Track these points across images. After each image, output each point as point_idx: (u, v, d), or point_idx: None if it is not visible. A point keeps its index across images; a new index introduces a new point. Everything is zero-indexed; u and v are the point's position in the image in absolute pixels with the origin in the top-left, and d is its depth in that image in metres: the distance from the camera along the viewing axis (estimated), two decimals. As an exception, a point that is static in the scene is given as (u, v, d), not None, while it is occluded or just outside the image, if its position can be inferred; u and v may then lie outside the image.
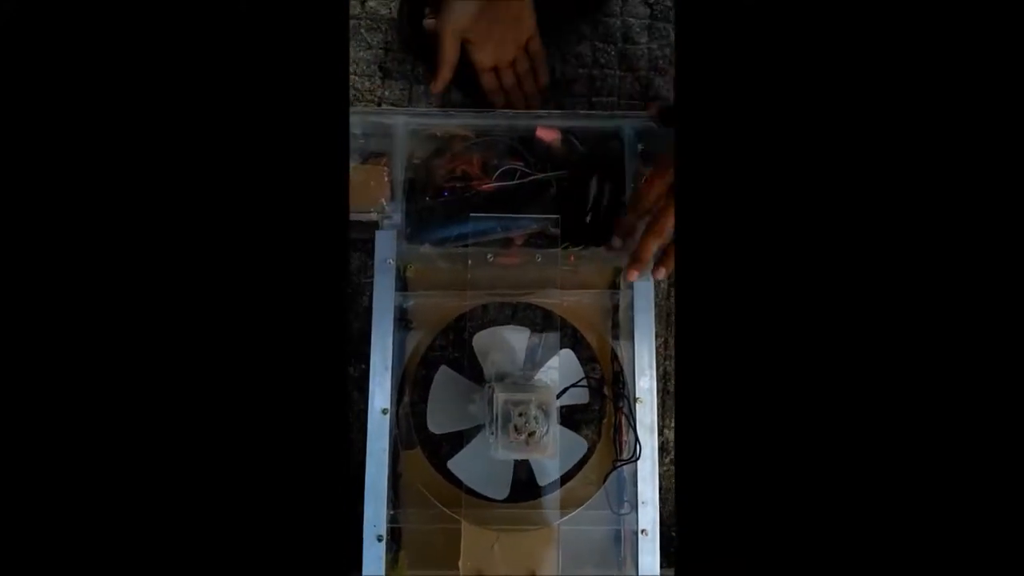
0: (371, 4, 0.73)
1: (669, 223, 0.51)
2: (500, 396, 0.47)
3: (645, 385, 0.55)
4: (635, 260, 0.53)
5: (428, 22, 0.61)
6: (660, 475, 0.70)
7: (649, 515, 0.54)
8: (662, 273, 0.53)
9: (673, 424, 0.71)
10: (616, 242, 0.56)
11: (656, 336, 0.71)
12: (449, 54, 0.59)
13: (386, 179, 0.57)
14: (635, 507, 0.55)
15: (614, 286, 0.64)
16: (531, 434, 0.47)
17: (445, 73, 0.60)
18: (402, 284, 0.63)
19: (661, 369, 0.72)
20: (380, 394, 0.54)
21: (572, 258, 0.60)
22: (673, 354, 0.71)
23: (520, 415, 0.47)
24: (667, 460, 0.70)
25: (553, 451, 0.47)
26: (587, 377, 0.65)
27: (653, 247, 0.52)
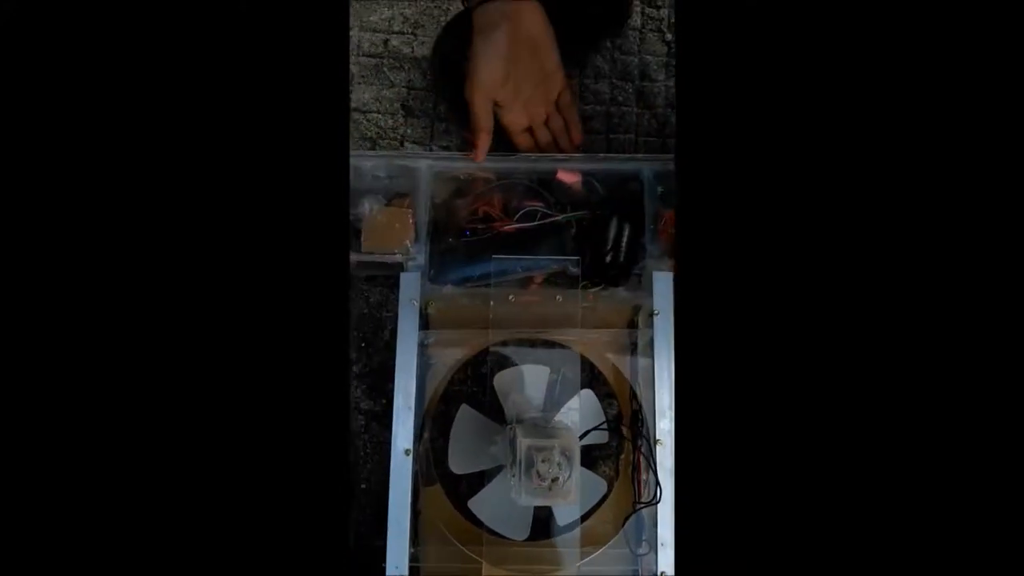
0: (394, 44, 0.74)
1: (544, 135, 0.56)
2: (524, 442, 0.48)
3: (665, 427, 0.55)
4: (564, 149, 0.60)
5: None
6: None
7: (668, 557, 0.54)
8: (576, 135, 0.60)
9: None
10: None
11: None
12: (484, 121, 0.58)
13: (410, 221, 0.58)
14: (654, 548, 0.55)
15: (632, 324, 0.64)
16: (554, 480, 0.47)
17: (484, 141, 0.59)
18: (424, 321, 0.64)
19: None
20: (403, 435, 0.55)
21: (591, 297, 0.61)
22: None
23: (543, 461, 0.48)
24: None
25: (575, 497, 0.48)
26: (605, 413, 0.66)
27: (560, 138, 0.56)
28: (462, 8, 0.60)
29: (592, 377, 0.69)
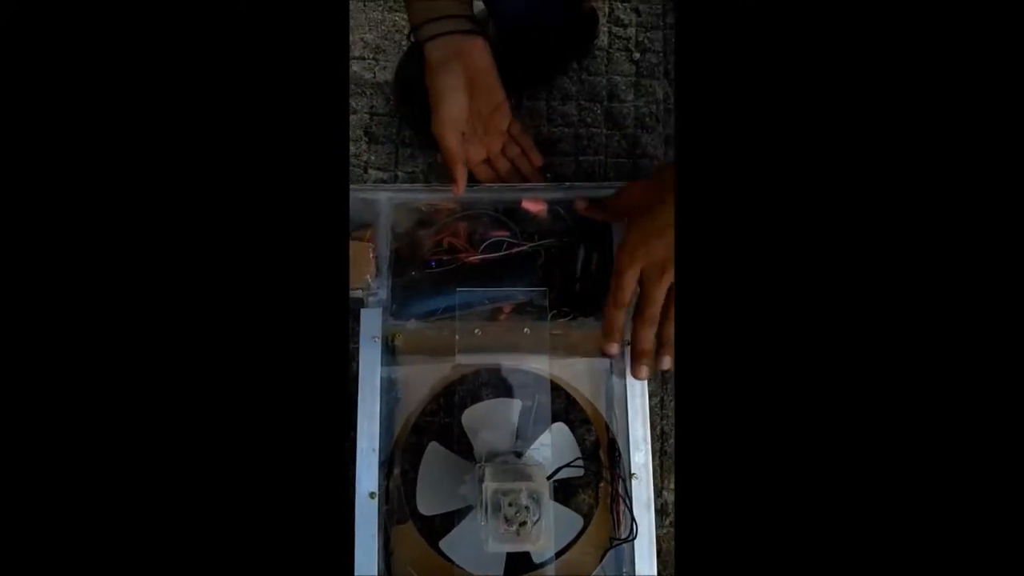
0: (355, 69, 0.73)
1: (655, 308, 0.49)
2: (490, 485, 0.46)
3: (640, 460, 0.54)
4: (637, 355, 0.51)
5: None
6: (659, 538, 0.69)
7: (647, 594, 0.53)
8: (667, 363, 0.51)
9: (672, 486, 0.70)
10: (614, 349, 0.54)
11: (651, 396, 0.71)
12: (458, 153, 0.57)
13: (371, 256, 0.56)
14: (633, 585, 0.54)
15: (608, 354, 0.63)
16: (522, 524, 0.46)
17: (461, 173, 0.58)
18: (390, 353, 0.62)
19: (658, 429, 0.71)
20: (367, 477, 0.53)
21: (561, 327, 0.60)
22: (670, 414, 0.70)
23: (511, 504, 0.46)
24: (667, 523, 0.69)
25: (546, 542, 0.46)
26: (583, 441, 0.64)
27: (651, 336, 0.50)
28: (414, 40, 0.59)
29: (568, 405, 0.67)
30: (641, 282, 0.50)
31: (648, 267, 0.49)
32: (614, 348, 0.53)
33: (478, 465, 0.53)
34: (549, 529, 0.47)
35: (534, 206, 0.58)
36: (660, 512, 0.70)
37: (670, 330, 0.50)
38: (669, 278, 0.49)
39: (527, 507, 0.46)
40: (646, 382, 0.56)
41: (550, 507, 0.49)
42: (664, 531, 0.69)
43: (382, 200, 0.58)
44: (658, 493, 0.70)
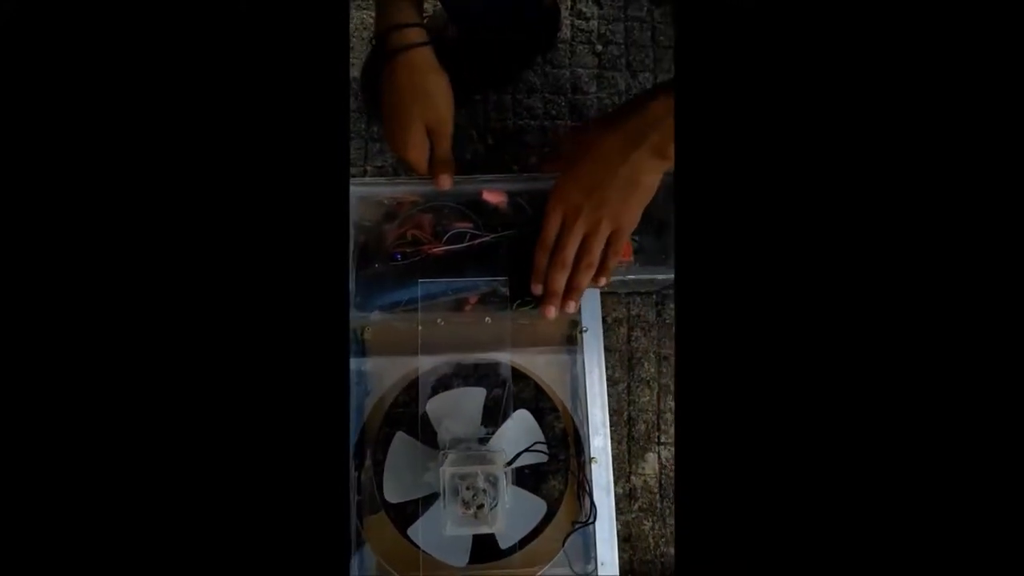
0: (322, 67, 0.74)
1: (570, 253, 0.52)
2: (447, 470, 0.47)
3: (599, 444, 0.55)
4: (545, 296, 0.55)
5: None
6: (628, 522, 0.70)
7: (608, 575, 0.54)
8: (571, 307, 0.54)
9: (640, 471, 0.71)
10: (538, 289, 0.56)
11: (618, 382, 0.72)
12: (422, 165, 0.58)
13: (335, 250, 0.57)
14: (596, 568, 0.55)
15: (571, 341, 0.64)
16: (479, 507, 0.47)
17: (434, 172, 0.58)
18: (360, 347, 0.63)
19: (624, 415, 0.72)
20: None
21: (525, 316, 0.61)
22: (636, 400, 0.71)
23: (468, 488, 0.47)
24: (635, 507, 0.70)
25: (503, 525, 0.47)
26: (552, 429, 0.65)
27: (562, 280, 0.54)
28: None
29: (538, 394, 0.68)
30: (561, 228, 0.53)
31: (567, 214, 0.53)
32: (538, 288, 0.56)
33: (441, 452, 0.54)
34: (506, 512, 0.48)
35: (494, 197, 0.59)
36: (628, 497, 0.71)
37: (579, 278, 0.54)
38: (583, 227, 0.52)
39: (484, 490, 0.47)
40: (604, 367, 0.57)
41: (507, 490, 0.50)
42: (633, 516, 0.70)
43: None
44: (626, 478, 0.71)
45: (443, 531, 0.47)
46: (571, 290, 0.54)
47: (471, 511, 0.47)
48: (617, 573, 0.54)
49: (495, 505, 0.47)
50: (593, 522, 0.52)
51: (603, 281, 0.55)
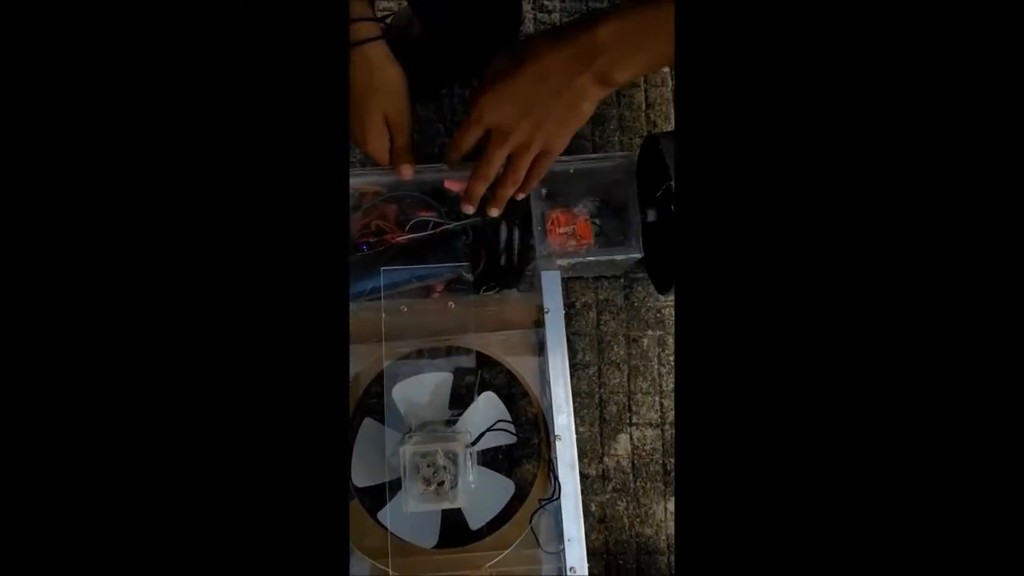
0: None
1: (494, 168, 0.53)
2: (408, 449, 0.48)
3: (563, 422, 0.56)
4: (465, 199, 0.56)
5: None
6: (603, 503, 0.71)
7: (576, 553, 0.55)
8: (493, 212, 0.56)
9: (612, 451, 0.72)
10: (467, 208, 0.57)
11: (589, 365, 0.73)
12: (383, 157, 0.58)
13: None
14: (563, 544, 0.56)
15: (539, 324, 0.65)
16: (440, 484, 0.48)
17: (396, 163, 0.59)
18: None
19: (596, 397, 0.73)
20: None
21: (489, 301, 0.62)
22: (607, 382, 0.72)
23: (429, 466, 0.48)
24: (608, 488, 0.71)
25: (464, 501, 0.48)
26: (524, 413, 0.66)
27: (481, 188, 0.54)
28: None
29: (509, 381, 0.69)
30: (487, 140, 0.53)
31: (493, 128, 0.52)
32: (468, 208, 0.56)
33: (405, 434, 0.55)
34: (471, 490, 0.49)
35: (455, 186, 0.60)
36: (602, 478, 0.72)
37: (502, 191, 0.55)
38: (512, 145, 0.52)
39: (444, 467, 0.48)
40: (566, 347, 0.58)
41: (472, 469, 0.51)
42: (607, 496, 0.71)
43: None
44: (599, 460, 0.72)
45: (405, 508, 0.48)
46: (496, 200, 0.55)
47: (432, 487, 0.48)
48: (584, 550, 0.55)
49: (456, 484, 0.48)
50: (558, 498, 0.53)
51: (521, 196, 0.56)
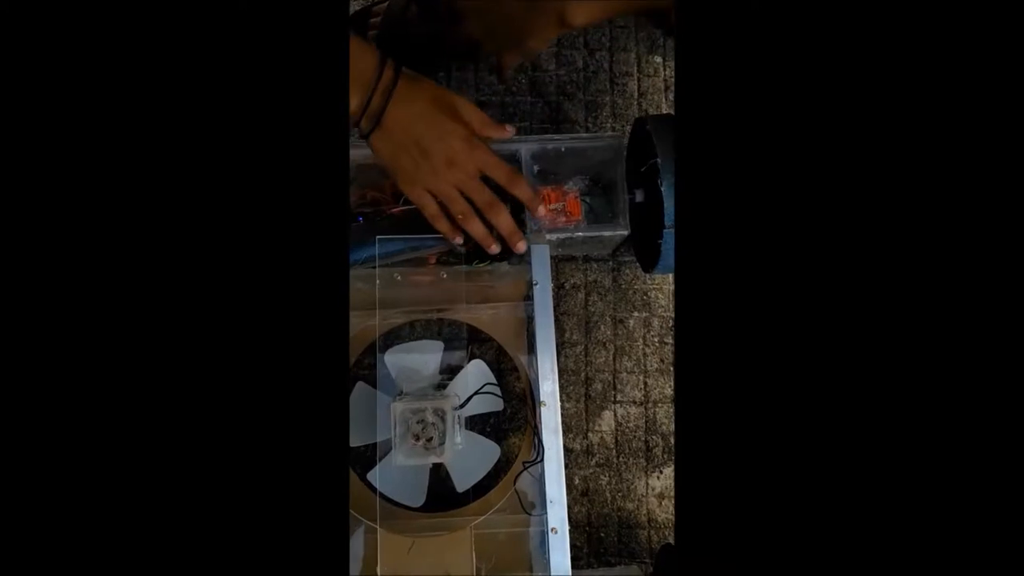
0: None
1: (461, 205, 0.55)
2: (398, 406, 0.50)
3: (548, 389, 0.58)
4: (481, 243, 0.58)
5: None
6: (587, 477, 0.73)
7: (557, 514, 0.56)
8: (519, 247, 0.58)
9: (597, 427, 0.74)
10: (458, 238, 0.59)
11: (576, 344, 0.75)
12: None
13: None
14: (545, 506, 0.57)
15: (528, 298, 0.67)
16: (428, 440, 0.50)
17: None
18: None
19: (582, 375, 0.75)
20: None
21: (481, 273, 0.64)
22: (593, 360, 0.74)
23: (419, 422, 0.50)
24: (592, 463, 0.73)
25: (451, 456, 0.50)
26: (512, 386, 0.68)
27: (478, 225, 0.56)
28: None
29: (499, 355, 0.71)
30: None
31: (422, 187, 0.55)
32: (459, 238, 0.58)
33: (396, 395, 0.57)
34: (458, 450, 0.51)
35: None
36: (586, 453, 0.74)
37: (495, 220, 0.56)
38: (448, 186, 0.54)
39: (433, 424, 0.50)
40: (552, 318, 0.60)
41: (459, 431, 0.53)
42: (591, 471, 0.73)
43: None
44: (584, 435, 0.74)
45: (394, 462, 0.50)
46: (505, 234, 0.57)
47: (420, 443, 0.49)
48: (565, 511, 0.57)
49: (444, 441, 0.50)
50: (541, 460, 0.55)
51: (522, 248, 0.57)
